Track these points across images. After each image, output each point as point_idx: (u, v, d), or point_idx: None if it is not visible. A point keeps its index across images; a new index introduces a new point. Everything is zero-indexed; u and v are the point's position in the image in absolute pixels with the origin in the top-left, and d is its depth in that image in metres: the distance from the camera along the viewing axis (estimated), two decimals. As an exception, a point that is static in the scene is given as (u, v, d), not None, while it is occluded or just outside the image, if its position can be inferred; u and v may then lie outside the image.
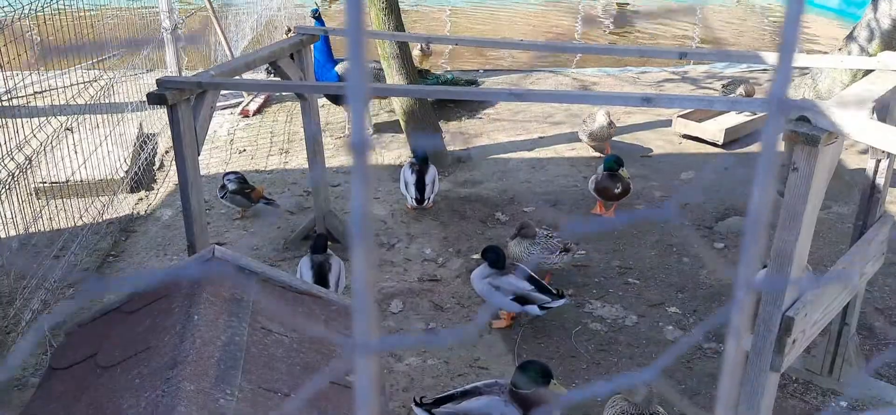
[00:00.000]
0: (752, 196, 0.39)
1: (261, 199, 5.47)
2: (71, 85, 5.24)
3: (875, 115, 2.53)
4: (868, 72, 2.99)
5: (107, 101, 5.69)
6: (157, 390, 1.97)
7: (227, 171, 5.84)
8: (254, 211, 5.55)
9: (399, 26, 6.05)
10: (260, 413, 1.99)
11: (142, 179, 6.05)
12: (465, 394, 3.19)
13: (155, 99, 3.34)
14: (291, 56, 4.42)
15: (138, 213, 5.64)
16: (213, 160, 6.62)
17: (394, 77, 6.18)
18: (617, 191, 5.25)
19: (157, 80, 3.42)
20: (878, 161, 3.15)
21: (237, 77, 4.18)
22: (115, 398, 2.05)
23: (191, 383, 1.93)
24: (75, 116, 5.12)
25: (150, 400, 1.95)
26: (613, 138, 6.62)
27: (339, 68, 6.68)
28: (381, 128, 7.24)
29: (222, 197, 5.41)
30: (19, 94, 4.80)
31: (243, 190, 5.39)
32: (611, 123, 6.36)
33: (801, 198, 2.39)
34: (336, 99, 7.02)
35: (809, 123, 2.32)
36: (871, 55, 3.91)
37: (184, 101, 3.41)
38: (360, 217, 0.40)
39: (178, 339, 2.15)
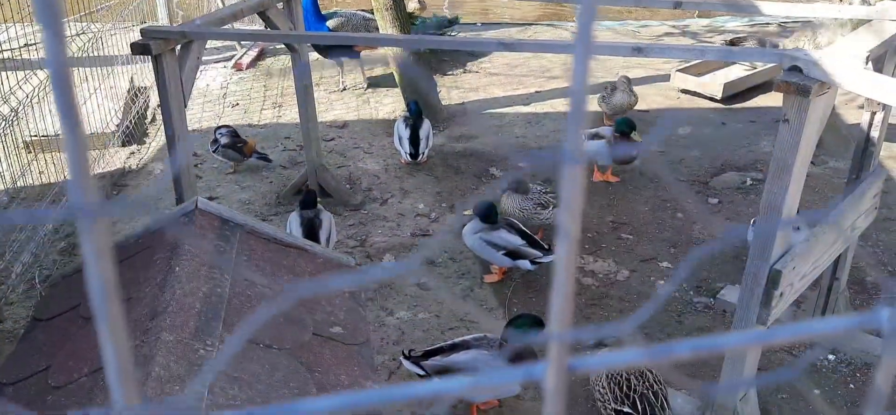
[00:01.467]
0: (574, 62, 0.36)
1: (253, 153, 5.42)
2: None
3: (870, 65, 2.47)
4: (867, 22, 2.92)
5: (95, 53, 5.61)
6: (136, 340, 1.96)
7: (220, 124, 5.78)
8: (247, 166, 5.51)
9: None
10: (241, 364, 1.98)
11: (134, 132, 5.99)
12: (454, 347, 3.19)
13: (139, 49, 3.27)
14: (282, 8, 4.33)
15: (130, 167, 5.61)
16: (205, 114, 6.55)
17: (387, 28, 6.09)
18: (634, 154, 5.00)
19: (141, 29, 3.35)
20: (874, 114, 3.10)
21: (225, 27, 4.10)
22: (95, 348, 2.04)
23: (170, 334, 1.92)
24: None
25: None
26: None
27: (330, 23, 6.57)
28: (375, 82, 7.15)
29: (214, 151, 5.36)
30: (4, 47, 4.72)
31: (235, 144, 5.34)
32: (633, 93, 5.93)
33: (791, 149, 2.35)
34: (326, 52, 6.93)
35: (801, 72, 2.27)
36: (871, 6, 3.83)
37: (169, 51, 3.35)
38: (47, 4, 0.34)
39: (158, 290, 2.14)
